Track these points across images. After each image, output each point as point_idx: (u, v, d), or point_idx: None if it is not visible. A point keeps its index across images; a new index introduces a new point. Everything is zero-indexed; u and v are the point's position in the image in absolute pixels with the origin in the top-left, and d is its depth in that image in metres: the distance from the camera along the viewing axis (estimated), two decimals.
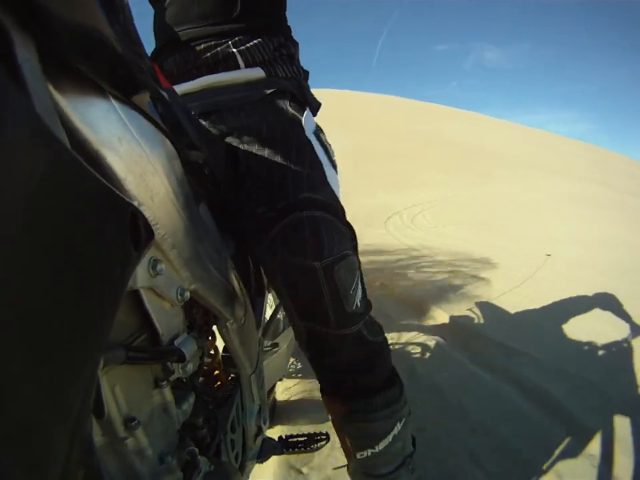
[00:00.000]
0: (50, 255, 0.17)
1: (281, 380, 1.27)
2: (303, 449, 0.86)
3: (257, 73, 0.64)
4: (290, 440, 0.87)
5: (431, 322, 1.88)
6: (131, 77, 0.32)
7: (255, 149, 0.60)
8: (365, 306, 0.63)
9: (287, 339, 1.08)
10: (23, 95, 0.20)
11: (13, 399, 0.15)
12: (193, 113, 0.62)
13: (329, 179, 0.63)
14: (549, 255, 2.80)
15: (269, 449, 0.79)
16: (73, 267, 0.19)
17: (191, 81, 0.64)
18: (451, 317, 1.85)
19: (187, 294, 0.38)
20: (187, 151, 0.54)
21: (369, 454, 0.64)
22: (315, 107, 0.74)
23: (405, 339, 1.71)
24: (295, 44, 0.70)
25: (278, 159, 0.59)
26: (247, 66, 0.63)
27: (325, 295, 0.55)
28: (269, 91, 0.63)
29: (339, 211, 0.62)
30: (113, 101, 0.29)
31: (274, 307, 0.98)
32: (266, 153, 0.60)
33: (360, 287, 0.61)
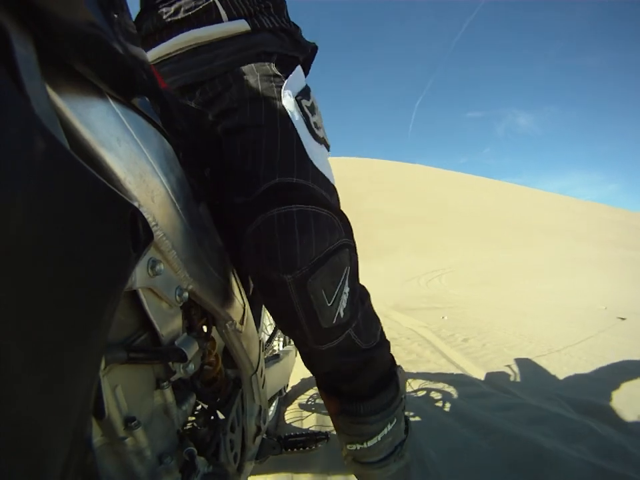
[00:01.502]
0: (49, 255, 0.17)
1: (282, 394, 1.27)
2: (302, 448, 0.86)
3: (241, 25, 0.58)
4: (289, 440, 0.87)
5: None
6: (129, 78, 0.32)
7: (229, 125, 0.55)
8: (353, 311, 0.55)
9: (289, 350, 1.11)
10: (22, 95, 0.20)
11: (13, 399, 0.15)
12: (173, 87, 0.58)
13: (311, 154, 0.54)
14: (623, 319, 2.77)
15: (267, 449, 0.79)
16: (72, 266, 0.19)
17: (168, 41, 0.58)
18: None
19: (186, 294, 0.38)
20: (184, 147, 0.54)
21: (358, 448, 0.64)
22: (310, 50, 0.67)
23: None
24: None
25: (250, 135, 0.53)
26: (230, 18, 0.58)
27: (299, 313, 0.49)
28: (252, 52, 0.57)
29: (321, 196, 0.53)
30: (112, 102, 0.30)
31: None
32: (239, 139, 0.54)
33: (346, 290, 0.53)
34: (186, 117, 0.57)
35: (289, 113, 0.55)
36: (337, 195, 0.60)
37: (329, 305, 0.50)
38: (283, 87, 0.56)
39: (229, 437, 0.53)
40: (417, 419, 1.23)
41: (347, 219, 0.56)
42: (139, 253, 0.26)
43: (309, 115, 0.59)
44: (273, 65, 0.58)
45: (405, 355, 1.99)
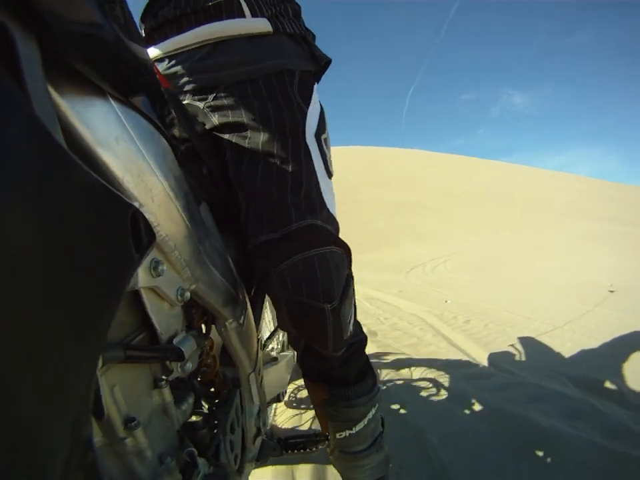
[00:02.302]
0: (50, 256, 0.17)
1: (280, 401, 1.27)
2: (302, 449, 0.86)
3: (264, 25, 0.57)
4: (289, 441, 0.87)
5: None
6: (130, 77, 0.32)
7: (247, 158, 0.57)
8: (355, 324, 0.68)
9: (287, 355, 1.10)
10: (23, 95, 0.20)
11: (13, 398, 0.15)
12: (187, 88, 0.58)
13: (324, 193, 0.61)
14: (612, 292, 2.87)
15: (268, 450, 0.79)
16: (74, 268, 0.19)
17: (188, 32, 0.57)
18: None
19: (187, 294, 0.38)
20: (183, 146, 0.54)
21: (347, 435, 0.71)
22: (325, 63, 0.68)
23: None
24: (299, 5, 0.66)
25: (274, 167, 0.57)
26: (253, 15, 0.57)
27: (329, 331, 0.59)
28: (274, 68, 0.57)
29: (335, 236, 0.62)
30: (112, 101, 0.29)
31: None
32: (260, 165, 0.57)
33: (352, 311, 0.64)
34: (187, 118, 0.57)
35: (312, 154, 0.60)
36: (338, 227, 0.67)
37: (349, 323, 0.62)
38: (307, 124, 0.59)
39: (228, 438, 0.53)
40: (416, 405, 1.23)
41: (349, 249, 0.64)
42: (142, 254, 0.25)
43: (326, 151, 0.64)
44: (296, 90, 0.59)
45: (406, 339, 1.93)
